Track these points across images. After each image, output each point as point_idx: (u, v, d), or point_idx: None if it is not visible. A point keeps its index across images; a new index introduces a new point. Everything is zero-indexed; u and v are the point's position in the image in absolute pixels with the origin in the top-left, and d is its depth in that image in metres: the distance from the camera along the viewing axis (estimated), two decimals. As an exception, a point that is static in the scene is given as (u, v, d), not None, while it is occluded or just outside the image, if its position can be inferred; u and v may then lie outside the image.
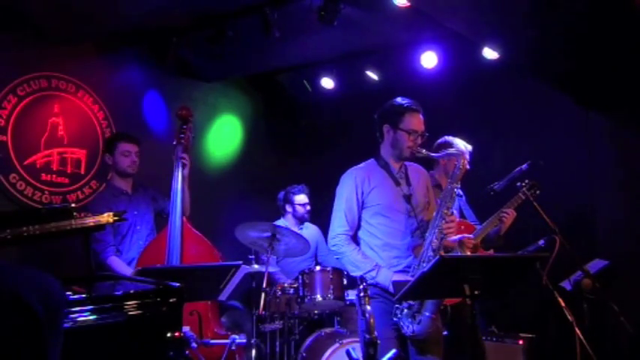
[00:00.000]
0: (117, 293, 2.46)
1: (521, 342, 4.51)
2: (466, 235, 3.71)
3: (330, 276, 4.40)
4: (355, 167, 3.57)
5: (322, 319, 4.96)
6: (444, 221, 3.33)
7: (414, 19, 4.77)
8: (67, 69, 5.04)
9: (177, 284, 2.23)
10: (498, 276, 2.95)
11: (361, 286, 3.00)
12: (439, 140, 4.34)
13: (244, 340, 3.67)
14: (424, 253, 3.33)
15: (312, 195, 5.64)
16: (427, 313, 3.22)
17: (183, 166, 4.22)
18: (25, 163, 4.76)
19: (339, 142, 6.43)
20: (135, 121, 5.49)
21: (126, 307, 2.11)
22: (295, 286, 4.56)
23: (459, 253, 3.51)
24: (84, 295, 2.14)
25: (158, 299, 2.18)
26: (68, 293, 2.19)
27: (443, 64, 5.55)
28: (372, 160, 3.57)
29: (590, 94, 5.13)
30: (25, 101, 4.78)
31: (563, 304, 3.88)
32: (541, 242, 4.38)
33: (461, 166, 3.46)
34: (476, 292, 2.78)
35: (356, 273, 3.37)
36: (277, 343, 4.71)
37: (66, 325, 1.85)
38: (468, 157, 3.97)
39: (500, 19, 4.26)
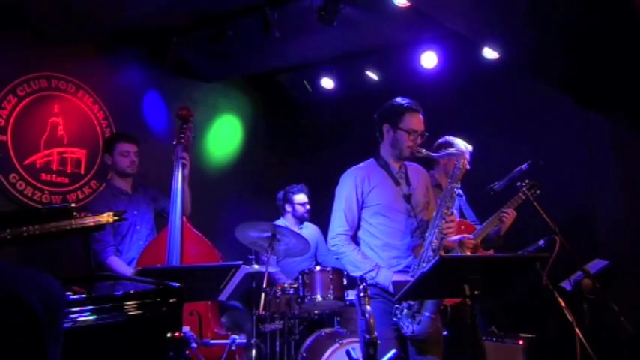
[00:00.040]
0: (117, 293, 2.46)
1: (521, 342, 4.51)
2: (466, 235, 3.71)
3: (330, 276, 4.40)
4: (355, 167, 3.57)
5: (322, 319, 4.96)
6: (443, 221, 3.33)
7: (414, 19, 4.77)
8: (67, 69, 5.04)
9: (177, 284, 2.23)
10: (498, 276, 2.95)
11: (361, 286, 3.00)
12: (439, 140, 4.34)
13: (244, 340, 3.67)
14: (424, 253, 3.33)
15: (312, 195, 5.64)
16: (427, 313, 3.22)
17: (183, 166, 4.22)
18: (25, 163, 4.76)
19: (339, 142, 6.43)
20: (135, 121, 5.49)
21: (126, 307, 2.11)
22: (295, 286, 4.56)
23: (459, 253, 3.51)
24: (84, 295, 2.14)
25: (158, 299, 2.18)
26: (68, 293, 2.19)
27: (443, 64, 5.56)
28: (371, 160, 3.57)
29: (590, 94, 5.13)
30: (25, 101, 4.78)
31: (563, 304, 3.88)
32: (541, 242, 4.38)
33: (461, 166, 3.46)
34: (476, 292, 2.78)
35: (356, 273, 3.37)
36: (277, 343, 4.71)
37: (66, 325, 1.85)
38: (468, 157, 3.97)
39: (500, 19, 4.26)
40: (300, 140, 6.97)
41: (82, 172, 5.11)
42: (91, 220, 2.26)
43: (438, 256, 2.97)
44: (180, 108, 4.43)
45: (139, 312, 2.13)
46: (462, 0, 4.09)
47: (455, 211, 4.25)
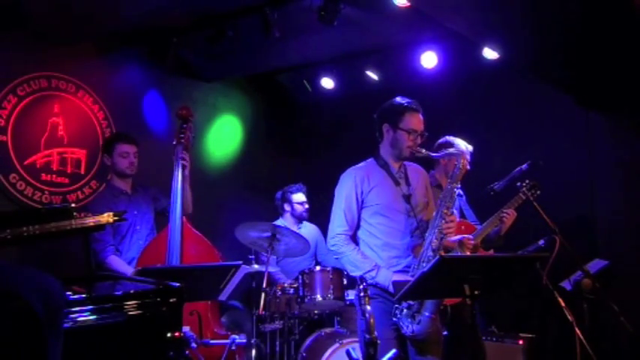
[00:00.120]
0: (117, 293, 2.46)
1: (521, 342, 4.51)
2: (466, 235, 3.71)
3: (330, 276, 4.40)
4: (354, 167, 3.56)
5: (322, 319, 4.96)
6: (443, 221, 3.32)
7: (414, 19, 4.77)
8: (67, 69, 5.04)
9: (178, 284, 2.23)
10: (498, 276, 2.95)
11: (361, 286, 3.00)
12: (440, 140, 4.34)
13: (244, 340, 3.67)
14: (424, 252, 3.33)
15: (312, 195, 5.64)
16: (427, 313, 3.21)
17: (183, 166, 4.22)
18: (25, 163, 4.76)
19: (339, 142, 6.43)
20: (135, 121, 5.49)
21: (126, 307, 2.11)
22: (295, 286, 4.57)
23: (459, 253, 3.51)
24: (84, 295, 2.14)
25: (158, 299, 2.18)
26: (68, 293, 2.19)
27: (443, 64, 5.56)
28: (371, 160, 3.57)
29: (590, 94, 5.13)
30: (25, 101, 4.78)
31: (563, 304, 3.88)
32: (541, 242, 4.38)
33: (461, 166, 3.46)
34: (476, 292, 2.78)
35: (355, 273, 3.37)
36: (277, 343, 4.71)
37: (66, 325, 1.85)
38: (468, 157, 3.97)
39: (500, 19, 4.26)
40: (300, 140, 6.97)
41: (82, 172, 5.11)
42: (91, 220, 2.27)
43: (437, 256, 2.97)
44: (180, 108, 4.43)
45: (139, 312, 2.13)
46: (461, 0, 4.09)
47: (455, 211, 4.25)
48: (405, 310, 3.27)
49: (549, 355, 4.77)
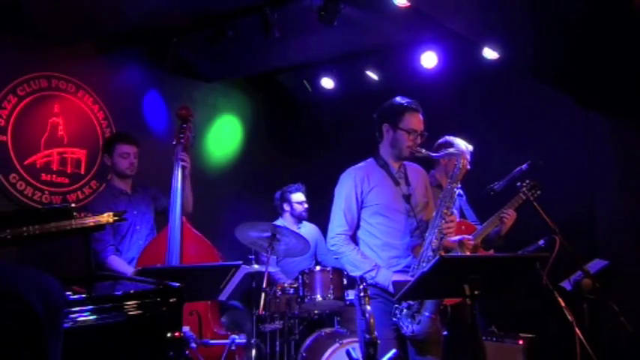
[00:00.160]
0: (117, 293, 2.46)
1: (521, 342, 4.51)
2: (466, 236, 3.71)
3: (330, 276, 4.40)
4: (354, 167, 3.56)
5: (322, 319, 4.96)
6: (443, 221, 3.32)
7: (414, 19, 4.77)
8: (67, 69, 5.04)
9: (177, 284, 2.23)
10: (498, 276, 2.95)
11: (361, 286, 3.00)
12: (439, 140, 4.34)
13: (244, 340, 3.67)
14: (424, 252, 3.33)
15: (312, 195, 5.64)
16: (427, 313, 3.21)
17: (183, 166, 4.22)
18: (25, 163, 4.76)
19: (339, 142, 6.43)
20: (135, 121, 5.49)
21: (126, 307, 2.11)
22: (295, 286, 4.57)
23: (459, 253, 3.51)
24: (84, 295, 2.14)
25: (158, 299, 2.18)
26: (68, 293, 2.19)
27: (443, 64, 5.56)
28: (371, 160, 3.57)
29: (590, 95, 5.13)
30: (25, 101, 4.78)
31: (563, 304, 3.88)
32: (541, 242, 4.38)
33: (461, 166, 3.45)
34: (476, 292, 2.78)
35: (355, 273, 3.37)
36: (277, 343, 4.71)
37: (66, 325, 1.85)
38: (468, 156, 3.97)
39: (501, 19, 4.26)
40: (300, 140, 6.97)
41: (82, 172, 5.11)
42: (91, 220, 2.27)
43: (437, 256, 2.97)
44: (179, 108, 4.43)
45: (139, 312, 2.13)
46: (461, 0, 4.09)
47: (455, 211, 4.25)
48: (404, 310, 3.27)
49: (549, 355, 4.76)
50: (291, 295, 4.63)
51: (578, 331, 3.83)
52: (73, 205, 2.31)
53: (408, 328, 3.24)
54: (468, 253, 3.59)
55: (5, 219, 2.13)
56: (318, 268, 4.51)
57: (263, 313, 4.34)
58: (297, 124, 6.98)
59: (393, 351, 3.06)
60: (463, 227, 4.22)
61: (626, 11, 3.90)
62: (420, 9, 4.40)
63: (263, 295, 4.30)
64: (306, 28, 5.09)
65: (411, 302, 3.24)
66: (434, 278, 2.80)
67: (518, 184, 4.32)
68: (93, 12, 4.43)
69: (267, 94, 6.93)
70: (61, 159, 4.98)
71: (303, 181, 5.70)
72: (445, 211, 3.34)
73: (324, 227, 3.72)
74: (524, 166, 4.42)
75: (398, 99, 3.51)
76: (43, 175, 4.86)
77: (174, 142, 4.28)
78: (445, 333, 3.65)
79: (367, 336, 2.81)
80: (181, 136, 4.29)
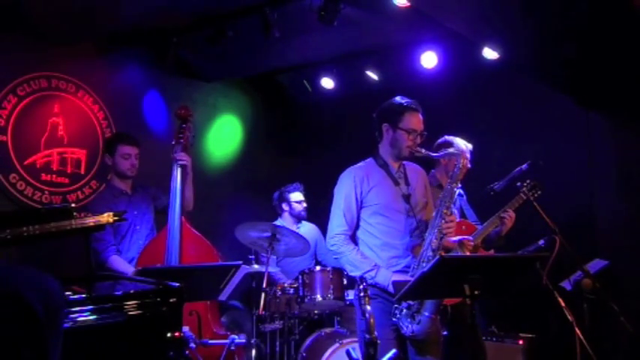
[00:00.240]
0: (117, 293, 2.46)
1: (521, 342, 4.51)
2: (466, 236, 3.71)
3: (330, 276, 4.40)
4: (354, 166, 3.56)
5: (322, 319, 4.96)
6: (443, 221, 3.32)
7: (414, 19, 4.77)
8: (67, 69, 5.04)
9: (177, 284, 2.23)
10: (498, 276, 2.95)
11: (361, 286, 3.00)
12: (439, 140, 4.34)
13: (243, 340, 3.67)
14: (424, 252, 3.32)
15: (312, 195, 5.64)
16: (426, 313, 3.21)
17: (183, 166, 4.22)
18: (25, 163, 4.76)
19: (339, 142, 6.43)
20: (135, 121, 5.49)
21: (126, 307, 2.11)
22: (295, 286, 4.57)
23: (459, 254, 3.51)
24: (84, 295, 2.14)
25: (158, 299, 2.18)
26: (68, 293, 2.19)
27: (443, 64, 5.56)
28: (370, 160, 3.57)
29: (590, 95, 5.13)
30: (25, 101, 4.78)
31: (563, 304, 3.88)
32: (541, 242, 4.38)
33: (461, 166, 3.45)
34: (476, 292, 2.78)
35: (355, 273, 3.37)
36: (277, 343, 4.71)
37: (66, 325, 1.85)
38: (468, 155, 3.97)
39: (500, 19, 4.26)
40: (300, 140, 6.97)
41: (82, 172, 5.11)
42: (91, 220, 2.26)
43: (437, 256, 2.97)
44: (179, 108, 4.42)
45: (139, 312, 2.13)
46: (461, 0, 4.09)
47: (456, 211, 4.25)
48: (404, 311, 3.27)
49: (549, 355, 4.76)
50: (291, 295, 4.63)
51: (578, 331, 3.82)
52: (73, 205, 2.31)
53: (408, 328, 3.24)
54: (468, 254, 3.59)
55: (5, 219, 2.13)
56: (318, 268, 4.51)
57: (263, 313, 4.34)
58: (297, 124, 6.98)
59: (393, 351, 3.06)
60: (464, 227, 4.22)
61: (626, 11, 3.90)
62: (420, 9, 4.40)
63: (263, 295, 4.30)
64: (306, 28, 5.09)
65: (410, 302, 3.24)
66: (434, 278, 2.79)
67: (519, 184, 4.32)
68: (93, 12, 4.43)
69: (267, 94, 6.93)
70: (61, 159, 4.98)
71: (302, 181, 5.70)
72: (445, 211, 3.34)
73: (324, 227, 3.71)
74: (524, 166, 4.42)
75: (397, 99, 3.51)
76: (43, 175, 4.86)
77: (173, 142, 4.28)
78: (445, 333, 3.65)
79: (367, 336, 2.81)
80: (180, 136, 4.29)
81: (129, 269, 4.00)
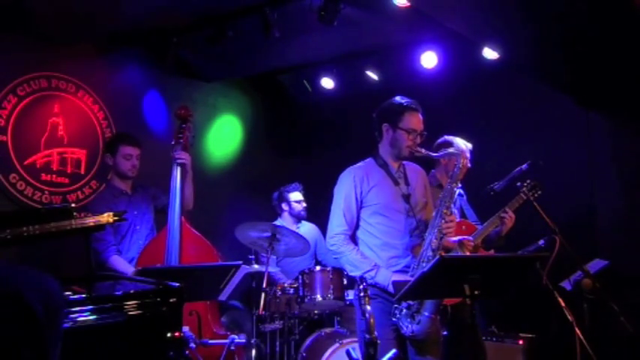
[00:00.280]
0: (117, 293, 2.46)
1: (521, 342, 4.51)
2: (466, 237, 3.71)
3: (330, 276, 4.40)
4: (354, 166, 3.56)
5: (322, 319, 4.96)
6: (443, 221, 3.32)
7: (414, 19, 4.77)
8: (67, 69, 5.04)
9: (177, 284, 2.23)
10: (498, 276, 2.95)
11: (361, 286, 3.00)
12: (439, 140, 4.34)
13: (243, 340, 3.67)
14: (424, 252, 3.32)
15: (312, 195, 5.64)
16: (426, 313, 3.21)
17: (182, 165, 4.22)
18: (25, 163, 4.76)
19: (338, 142, 6.43)
20: (135, 121, 5.49)
21: (126, 307, 2.11)
22: (295, 286, 4.57)
23: (459, 254, 3.51)
24: (84, 295, 2.14)
25: (158, 299, 2.18)
26: (68, 293, 2.19)
27: (443, 64, 5.56)
28: (370, 159, 3.57)
29: (590, 94, 5.13)
30: (25, 101, 4.78)
31: (563, 304, 3.87)
32: (541, 242, 4.38)
33: (461, 166, 3.45)
34: (476, 292, 2.78)
35: (355, 273, 3.37)
36: (277, 343, 4.71)
37: (66, 325, 1.85)
38: (468, 155, 3.97)
39: (500, 18, 4.26)
40: (300, 140, 6.97)
41: (82, 172, 5.11)
42: (91, 220, 2.26)
43: (437, 256, 2.97)
44: (179, 108, 4.42)
45: (139, 312, 2.13)
46: (461, 0, 4.09)
47: (456, 211, 4.25)
48: (404, 310, 3.26)
49: (549, 355, 4.76)
50: (291, 295, 4.63)
51: (578, 331, 3.82)
52: (73, 205, 2.31)
53: (408, 328, 3.24)
54: (468, 254, 3.59)
55: (5, 219, 2.13)
56: (318, 268, 4.51)
57: (263, 313, 4.34)
58: (297, 124, 6.97)
59: (393, 351, 3.06)
60: (464, 227, 4.22)
61: (626, 11, 3.90)
62: (420, 9, 4.40)
63: (263, 295, 4.30)
64: (306, 28, 5.09)
65: (410, 302, 3.24)
66: (434, 278, 2.79)
67: (519, 184, 4.32)
68: (93, 12, 4.43)
69: (267, 94, 6.93)
70: (61, 159, 4.98)
71: (302, 181, 5.70)
72: (445, 210, 3.34)
73: (324, 227, 3.71)
74: (524, 166, 4.42)
75: (397, 99, 3.51)
76: (43, 175, 4.86)
77: (173, 142, 4.28)
78: (445, 333, 3.65)
79: (367, 336, 2.81)
80: (180, 136, 4.29)
81: (129, 269, 4.00)
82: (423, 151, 3.47)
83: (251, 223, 4.53)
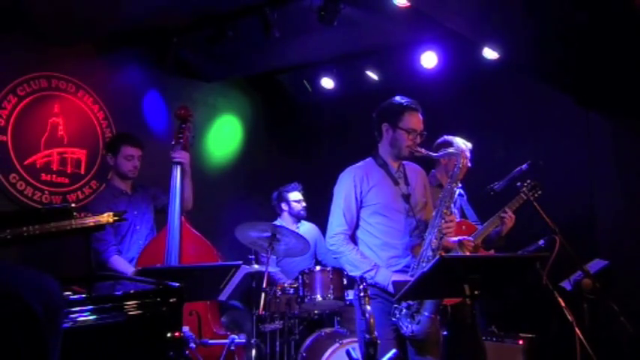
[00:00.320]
0: (117, 293, 2.46)
1: (521, 342, 4.51)
2: (466, 237, 3.71)
3: (330, 276, 4.40)
4: (353, 166, 3.56)
5: (322, 319, 4.96)
6: (443, 221, 3.32)
7: (414, 19, 4.77)
8: (67, 69, 5.04)
9: (177, 284, 2.23)
10: (498, 276, 2.95)
11: (361, 286, 3.00)
12: (439, 140, 4.34)
13: (243, 340, 3.67)
14: (423, 252, 3.32)
15: (312, 195, 5.64)
16: (426, 313, 3.21)
17: (180, 164, 4.21)
18: (25, 163, 4.76)
19: (338, 142, 6.43)
20: (135, 121, 5.49)
21: (126, 307, 2.11)
22: (295, 286, 4.57)
23: (459, 254, 3.51)
24: (84, 295, 2.14)
25: (158, 299, 2.18)
26: (68, 293, 2.19)
27: (443, 64, 5.56)
28: (370, 159, 3.57)
29: (590, 94, 5.13)
30: (25, 101, 4.78)
31: (563, 304, 3.88)
32: (541, 242, 4.38)
33: (461, 166, 3.45)
34: (476, 292, 2.78)
35: (354, 273, 3.36)
36: (277, 343, 4.71)
37: (66, 325, 1.85)
38: (468, 154, 3.97)
39: (500, 18, 4.26)
40: (300, 140, 6.97)
41: (82, 172, 5.11)
42: (91, 220, 2.26)
43: (437, 256, 2.97)
44: (178, 108, 4.42)
45: (139, 312, 2.13)
46: (461, 0, 4.09)
47: (456, 211, 4.26)
48: (404, 310, 3.26)
49: (549, 355, 4.76)
50: (291, 295, 4.63)
51: (578, 331, 3.82)
52: (73, 205, 2.31)
53: (408, 328, 3.23)
54: (468, 254, 3.59)
55: (5, 219, 2.13)
56: (318, 268, 4.51)
57: (263, 313, 4.34)
58: (297, 124, 6.97)
59: (393, 351, 3.06)
60: (464, 227, 4.22)
61: (627, 11, 3.90)
62: (420, 9, 4.40)
63: (263, 295, 4.30)
64: (306, 28, 5.09)
65: (410, 302, 3.24)
66: (434, 278, 2.80)
67: (519, 184, 4.32)
68: (93, 12, 4.43)
69: (267, 94, 6.93)
70: (61, 159, 4.97)
71: (302, 181, 5.70)
72: (445, 210, 3.34)
73: (323, 227, 3.71)
74: (524, 166, 4.42)
75: (397, 98, 3.51)
76: (43, 175, 4.86)
77: (173, 142, 4.28)
78: (445, 333, 3.65)
79: (367, 336, 2.81)
80: (180, 136, 4.29)
81: (130, 269, 4.00)
82: (423, 151, 3.47)
83: (251, 223, 4.53)
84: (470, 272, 2.77)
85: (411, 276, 3.23)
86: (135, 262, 4.12)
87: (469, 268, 2.80)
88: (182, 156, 4.22)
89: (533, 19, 4.15)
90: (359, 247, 3.43)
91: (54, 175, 4.93)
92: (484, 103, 5.78)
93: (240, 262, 3.35)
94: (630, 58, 4.46)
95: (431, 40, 5.48)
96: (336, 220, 3.45)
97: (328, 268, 4.46)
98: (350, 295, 4.49)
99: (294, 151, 6.96)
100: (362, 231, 3.46)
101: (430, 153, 3.54)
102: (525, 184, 4.29)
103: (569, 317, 3.84)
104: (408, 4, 4.34)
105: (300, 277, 4.47)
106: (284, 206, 5.62)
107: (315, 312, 4.80)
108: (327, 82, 6.29)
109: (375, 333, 2.81)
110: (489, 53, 5.12)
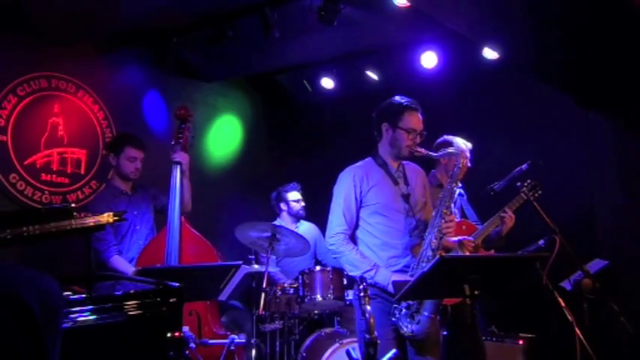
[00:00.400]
0: (117, 293, 2.46)
1: (521, 342, 4.50)
2: (466, 237, 3.71)
3: (330, 276, 4.40)
4: (353, 165, 3.56)
5: (322, 319, 4.96)
6: (443, 221, 3.32)
7: (414, 19, 4.77)
8: (67, 69, 5.04)
9: (177, 284, 2.23)
10: (498, 276, 2.95)
11: (361, 286, 3.00)
12: (439, 139, 4.34)
13: (243, 340, 3.67)
14: (423, 252, 3.32)
15: (311, 195, 5.64)
16: (426, 313, 3.21)
17: (178, 164, 4.21)
18: (25, 163, 4.76)
19: (339, 142, 6.43)
20: (135, 121, 5.49)
21: (126, 307, 2.11)
22: (295, 286, 4.57)
23: (459, 253, 3.51)
24: (84, 295, 2.14)
25: (158, 299, 2.18)
26: (68, 293, 2.19)
27: (443, 64, 5.56)
28: (369, 159, 3.56)
29: (590, 94, 5.13)
30: (25, 101, 4.78)
31: (563, 304, 3.87)
32: (541, 242, 4.38)
33: (461, 165, 3.45)
34: (476, 292, 2.78)
35: (354, 273, 3.36)
36: (277, 343, 4.71)
37: (66, 325, 1.85)
38: (468, 154, 3.97)
39: (500, 18, 4.26)
40: (300, 140, 6.97)
41: (82, 172, 5.11)
42: (91, 220, 2.26)
43: (437, 256, 2.97)
44: (178, 108, 4.43)
45: (139, 312, 2.13)
46: (461, 0, 4.09)
47: (456, 211, 4.26)
48: (404, 310, 3.26)
49: (549, 355, 4.76)
50: (291, 295, 4.63)
51: (578, 331, 3.82)
52: (73, 205, 2.31)
53: (408, 328, 3.23)
54: (468, 254, 3.59)
55: (5, 219, 2.13)
56: (318, 268, 4.51)
57: (263, 313, 4.34)
58: (297, 124, 6.98)
59: (393, 351, 3.06)
60: (464, 227, 4.22)
61: (626, 11, 3.90)
62: (420, 9, 4.40)
63: (263, 295, 4.30)
64: (306, 28, 5.09)
65: (410, 302, 3.24)
66: (434, 278, 2.79)
67: (519, 184, 4.32)
68: (93, 12, 4.43)
69: (267, 94, 6.93)
70: (61, 159, 4.97)
71: (302, 181, 5.71)
72: (445, 210, 3.34)
73: (323, 227, 3.71)
74: (524, 166, 4.42)
75: (397, 98, 3.50)
76: (43, 175, 4.86)
77: (172, 142, 4.28)
78: (445, 333, 3.65)
79: (367, 336, 2.81)
80: (180, 136, 4.29)
81: (130, 269, 4.00)
82: (423, 150, 3.47)
83: (251, 223, 4.53)
84: (470, 272, 2.77)
85: (411, 276, 3.23)
86: (135, 262, 4.13)
87: (469, 268, 2.80)
88: (181, 157, 4.22)
89: (533, 19, 4.15)
90: (359, 247, 3.43)
91: (54, 175, 4.93)
92: (484, 103, 5.77)
93: (240, 262, 3.35)
94: (630, 59, 4.45)
95: (431, 40, 5.48)
96: (336, 220, 3.45)
97: (328, 268, 4.46)
98: (350, 295, 4.49)
99: (294, 151, 6.96)
100: (362, 231, 3.46)
101: (430, 153, 3.54)
102: (525, 184, 4.29)
103: (569, 317, 3.83)
104: (408, 4, 4.34)
105: (300, 277, 4.48)
106: (283, 206, 5.63)
107: (315, 312, 4.80)
108: (327, 82, 6.29)
109: (375, 333, 2.81)
110: (489, 53, 5.12)
